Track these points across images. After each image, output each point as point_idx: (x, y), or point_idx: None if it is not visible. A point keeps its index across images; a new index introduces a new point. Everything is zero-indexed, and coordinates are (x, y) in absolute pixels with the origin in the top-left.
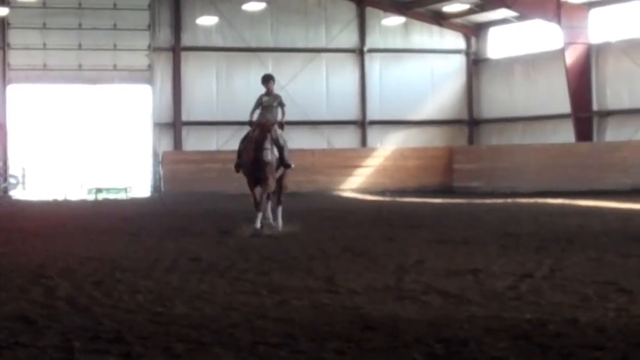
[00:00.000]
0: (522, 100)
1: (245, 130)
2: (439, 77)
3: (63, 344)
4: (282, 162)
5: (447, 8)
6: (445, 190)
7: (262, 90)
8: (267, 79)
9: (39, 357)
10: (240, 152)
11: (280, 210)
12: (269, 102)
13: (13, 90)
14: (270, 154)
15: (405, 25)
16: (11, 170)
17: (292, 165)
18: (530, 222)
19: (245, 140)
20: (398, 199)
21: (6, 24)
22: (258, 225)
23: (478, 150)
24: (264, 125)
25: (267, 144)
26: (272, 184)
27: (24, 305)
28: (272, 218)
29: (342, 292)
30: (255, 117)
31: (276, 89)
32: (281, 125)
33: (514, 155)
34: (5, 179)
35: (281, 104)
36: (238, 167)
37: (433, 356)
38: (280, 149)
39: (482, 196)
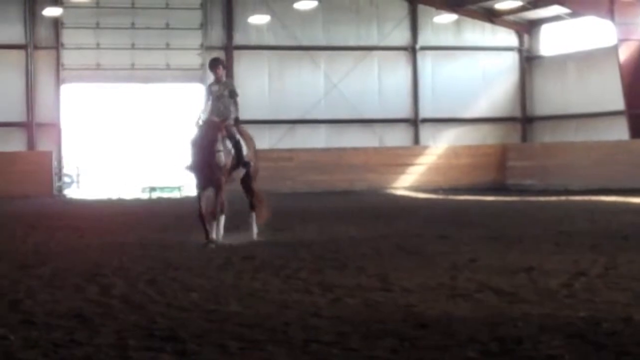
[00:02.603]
0: (575, 97)
1: (295, 128)
2: (492, 74)
3: (118, 341)
4: (240, 161)
5: (500, 5)
6: (499, 187)
7: (314, 86)
8: (215, 64)
9: (95, 354)
10: (191, 153)
11: (253, 216)
12: (219, 92)
13: (67, 90)
14: (225, 156)
15: (457, 22)
16: (66, 170)
17: (252, 163)
18: (584, 219)
19: (194, 140)
20: (451, 197)
21: (60, 24)
22: (213, 235)
23: (531, 147)
24: (213, 123)
25: (219, 146)
26: (224, 189)
27: (79, 303)
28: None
29: (395, 290)
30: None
31: (329, 87)
32: (237, 122)
33: (568, 152)
34: (60, 178)
35: (233, 93)
36: (189, 168)
37: (487, 354)
38: (237, 145)
39: (536, 194)
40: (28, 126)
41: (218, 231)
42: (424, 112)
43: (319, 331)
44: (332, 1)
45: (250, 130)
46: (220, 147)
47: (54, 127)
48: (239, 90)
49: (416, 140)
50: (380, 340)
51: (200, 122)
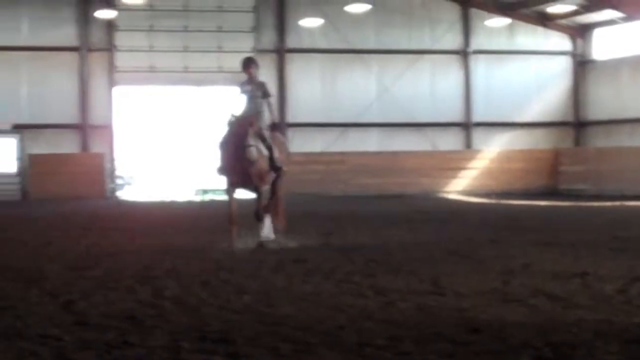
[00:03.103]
0: (630, 101)
1: (347, 131)
2: (544, 78)
3: (171, 344)
4: (272, 164)
5: (552, 9)
6: (551, 192)
7: (365, 89)
8: (248, 64)
9: (148, 356)
10: (221, 154)
11: (269, 219)
12: (252, 92)
13: (119, 92)
14: (256, 152)
15: (509, 26)
16: (118, 172)
17: (285, 169)
18: (639, 225)
19: (224, 141)
20: (503, 201)
21: (113, 27)
22: (265, 233)
23: (584, 152)
24: (243, 119)
25: (250, 140)
26: (264, 188)
27: (132, 305)
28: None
29: (447, 294)
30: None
31: (381, 90)
32: (274, 126)
33: (621, 157)
34: (113, 180)
35: (266, 94)
36: (220, 171)
37: None
38: (269, 148)
39: (589, 199)
40: (81, 128)
41: (267, 233)
42: (477, 116)
43: (371, 334)
44: (385, 4)
45: (302, 133)
46: (251, 142)
47: (107, 129)
48: (272, 91)
49: (468, 144)
50: (432, 344)
51: (232, 121)
